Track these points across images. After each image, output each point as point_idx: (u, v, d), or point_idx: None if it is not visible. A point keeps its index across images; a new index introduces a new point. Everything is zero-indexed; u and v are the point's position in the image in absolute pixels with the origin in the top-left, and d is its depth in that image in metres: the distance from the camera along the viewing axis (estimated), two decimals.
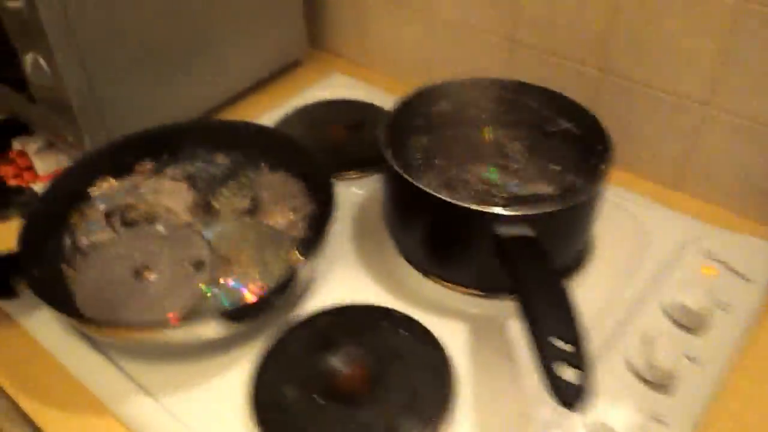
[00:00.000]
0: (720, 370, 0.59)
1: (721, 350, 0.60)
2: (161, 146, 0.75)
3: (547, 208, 0.57)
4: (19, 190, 0.82)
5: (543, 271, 0.51)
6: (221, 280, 0.62)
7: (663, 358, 0.56)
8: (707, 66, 0.70)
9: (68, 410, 0.58)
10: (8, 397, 0.60)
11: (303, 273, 0.61)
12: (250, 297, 0.60)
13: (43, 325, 0.64)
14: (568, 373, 0.43)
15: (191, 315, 0.59)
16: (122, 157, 0.73)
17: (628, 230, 0.72)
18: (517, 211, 0.57)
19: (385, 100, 0.90)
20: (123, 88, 0.77)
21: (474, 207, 0.57)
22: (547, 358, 0.44)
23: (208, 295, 0.61)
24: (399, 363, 0.58)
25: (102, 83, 0.74)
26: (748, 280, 0.66)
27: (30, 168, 0.84)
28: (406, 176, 0.60)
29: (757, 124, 0.69)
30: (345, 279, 0.68)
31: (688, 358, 0.59)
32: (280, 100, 0.93)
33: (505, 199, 0.64)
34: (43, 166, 0.84)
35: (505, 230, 0.56)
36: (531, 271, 0.51)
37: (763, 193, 0.73)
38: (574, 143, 0.67)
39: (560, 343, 0.44)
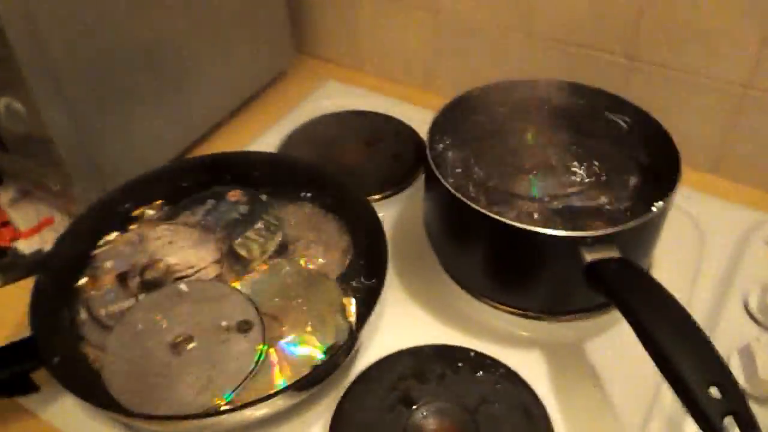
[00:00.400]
0: None
1: None
2: (164, 190, 0.66)
3: (631, 224, 0.52)
4: (1, 252, 0.72)
5: (657, 298, 0.46)
6: (278, 343, 0.54)
7: (766, 365, 0.52)
8: (747, 47, 0.66)
9: None
10: None
11: (370, 323, 0.54)
12: (314, 359, 0.53)
13: (69, 415, 0.55)
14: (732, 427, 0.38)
15: (251, 392, 0.51)
16: (123, 206, 0.65)
17: (680, 228, 0.68)
18: (603, 231, 0.51)
19: (395, 108, 0.83)
20: (109, 126, 0.68)
21: (554, 233, 0.52)
22: (709, 417, 0.38)
23: (263, 364, 0.53)
24: (486, 409, 0.53)
25: (87, 123, 0.65)
26: None
27: (6, 224, 0.74)
28: (468, 203, 0.54)
29: None
30: (400, 319, 0.61)
31: None
32: (273, 118, 0.85)
33: (563, 215, 0.58)
34: (22, 219, 0.74)
35: (591, 255, 0.51)
36: (644, 301, 0.46)
37: None
38: (622, 145, 0.63)
39: (715, 392, 0.39)
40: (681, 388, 0.40)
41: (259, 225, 0.64)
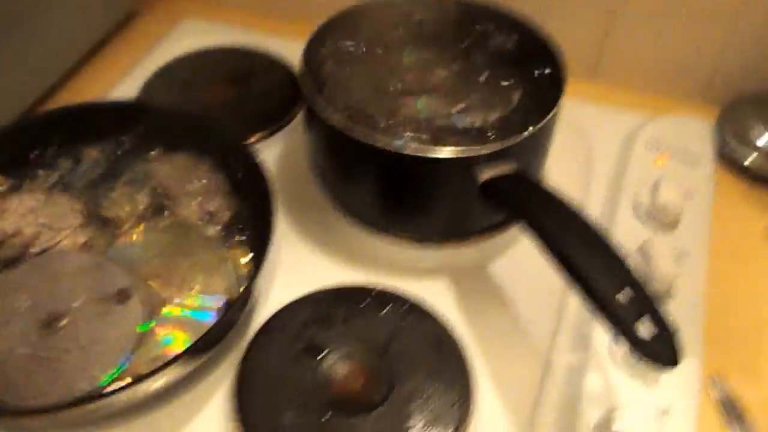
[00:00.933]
0: (703, 257, 0.57)
1: (700, 238, 0.58)
2: (9, 153, 0.58)
3: (522, 136, 0.50)
4: None
5: (559, 210, 0.44)
6: (161, 309, 0.49)
7: (662, 267, 0.53)
8: None
9: None
10: None
11: (264, 273, 0.50)
12: (206, 320, 0.49)
13: None
14: (645, 328, 0.38)
15: (144, 366, 0.46)
16: None
17: (567, 139, 0.67)
18: (496, 146, 0.49)
19: (262, 42, 0.77)
20: None
21: (444, 155, 0.49)
22: (623, 322, 0.38)
23: (150, 332, 0.48)
24: (396, 346, 0.51)
25: None
26: (696, 161, 0.65)
27: None
28: (350, 134, 0.50)
29: None
30: (295, 264, 0.58)
31: (677, 256, 0.56)
32: (127, 65, 0.76)
33: (450, 136, 0.56)
34: None
35: (487, 172, 0.49)
36: (547, 215, 0.45)
37: (684, 70, 0.71)
38: (501, 58, 0.60)
39: (623, 296, 0.39)
40: (592, 296, 0.39)
41: (125, 182, 0.58)
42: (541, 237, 0.43)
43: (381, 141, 0.50)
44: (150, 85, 0.71)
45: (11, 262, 0.52)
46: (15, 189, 0.56)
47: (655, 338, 0.37)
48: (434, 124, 0.55)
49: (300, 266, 0.57)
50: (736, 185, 0.66)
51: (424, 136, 0.54)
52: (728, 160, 0.67)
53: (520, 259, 0.58)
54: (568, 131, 0.66)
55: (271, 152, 0.66)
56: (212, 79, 0.73)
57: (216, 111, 0.69)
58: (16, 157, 0.57)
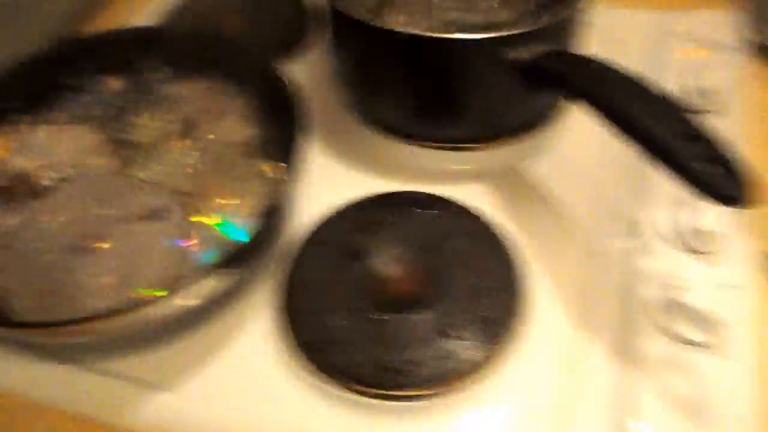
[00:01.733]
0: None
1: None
2: (30, 86, 0.56)
3: (557, 17, 0.48)
4: None
5: (622, 80, 0.42)
6: (196, 222, 0.47)
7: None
8: None
9: None
10: None
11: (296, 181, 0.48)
12: (243, 233, 0.47)
13: None
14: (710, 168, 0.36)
15: (178, 280, 0.44)
16: None
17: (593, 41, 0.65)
18: (530, 27, 0.47)
19: None
20: None
21: (480, 36, 0.47)
22: (685, 158, 0.36)
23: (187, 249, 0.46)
24: (444, 248, 0.49)
25: None
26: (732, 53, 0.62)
27: None
28: (378, 25, 0.48)
29: None
30: (329, 180, 0.56)
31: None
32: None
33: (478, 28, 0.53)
34: None
35: (524, 52, 0.47)
36: (597, 80, 0.42)
37: None
38: None
39: (690, 144, 0.37)
40: (656, 147, 0.37)
41: (150, 108, 0.56)
42: (610, 110, 0.41)
43: (408, 28, 0.48)
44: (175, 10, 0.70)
45: (41, 192, 0.50)
46: (39, 121, 0.54)
47: (725, 175, 0.35)
48: (465, 20, 0.53)
49: (334, 180, 0.56)
50: None
51: (452, 26, 0.52)
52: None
53: (561, 156, 0.56)
54: (597, 36, 0.64)
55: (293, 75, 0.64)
56: (223, 10, 0.71)
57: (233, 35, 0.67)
58: (39, 89, 0.55)
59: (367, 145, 0.58)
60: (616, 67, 0.43)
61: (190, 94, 0.57)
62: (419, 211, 0.51)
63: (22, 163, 0.51)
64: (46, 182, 0.51)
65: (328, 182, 0.55)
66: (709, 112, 0.56)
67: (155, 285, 0.44)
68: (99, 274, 0.45)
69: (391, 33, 0.47)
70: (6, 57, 0.55)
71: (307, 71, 0.65)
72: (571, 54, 0.46)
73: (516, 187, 0.54)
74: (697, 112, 0.55)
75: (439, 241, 0.49)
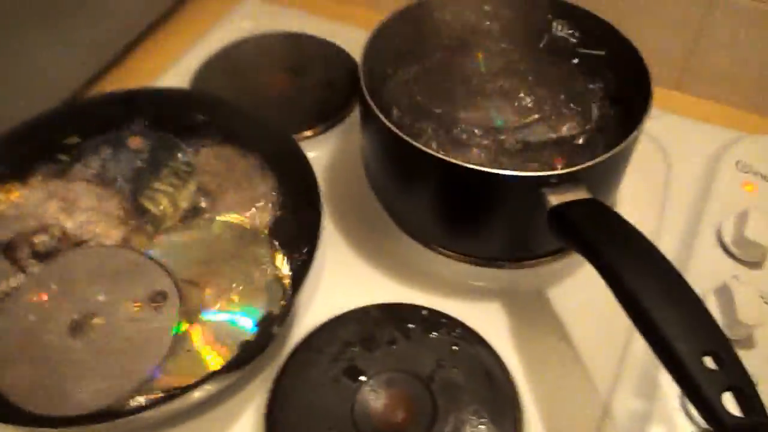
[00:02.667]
0: None
1: None
2: (52, 139, 0.55)
3: (600, 159, 0.45)
4: None
5: (643, 254, 0.39)
6: (198, 316, 0.46)
7: (744, 312, 0.48)
8: None
9: None
10: None
11: (306, 285, 0.46)
12: (244, 331, 0.46)
13: None
14: (729, 403, 0.33)
15: (174, 376, 0.43)
16: (4, 156, 0.54)
17: (645, 153, 0.61)
18: (568, 169, 0.44)
19: (328, 29, 0.73)
20: None
21: (513, 173, 0.45)
22: (707, 393, 0.33)
23: (184, 338, 0.45)
24: (443, 375, 0.47)
25: None
26: None
27: None
28: (411, 141, 0.46)
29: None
30: (340, 275, 0.54)
31: (763, 300, 0.50)
32: (183, 46, 0.73)
33: (520, 149, 0.51)
34: None
35: (556, 197, 0.44)
36: (626, 256, 0.39)
37: None
38: (580, 64, 0.55)
39: (708, 361, 0.34)
40: (670, 358, 0.34)
41: (168, 174, 0.55)
42: (616, 281, 0.38)
43: (442, 151, 0.46)
44: (203, 71, 0.68)
45: (46, 255, 0.49)
46: (54, 177, 0.54)
47: (740, 423, 0.32)
48: (503, 135, 0.50)
49: (345, 277, 0.54)
50: None
51: (491, 148, 0.49)
52: None
53: (583, 289, 0.53)
54: (646, 144, 0.60)
55: (324, 149, 0.62)
56: (269, 67, 0.69)
57: (270, 102, 0.66)
58: (57, 144, 0.55)
59: (387, 242, 0.56)
60: (649, 247, 0.39)
61: (210, 163, 0.56)
62: (423, 329, 0.49)
63: (32, 220, 0.51)
64: (49, 245, 0.50)
65: (338, 276, 0.53)
66: (755, 261, 0.51)
67: (147, 382, 0.43)
68: (92, 361, 0.44)
69: (416, 150, 0.45)
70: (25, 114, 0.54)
71: (344, 143, 0.63)
72: (602, 211, 0.43)
73: (530, 314, 0.52)
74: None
75: (439, 367, 0.47)
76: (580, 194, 0.44)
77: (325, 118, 0.64)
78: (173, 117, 0.58)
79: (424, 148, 0.45)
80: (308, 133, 0.63)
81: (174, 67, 0.70)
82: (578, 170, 0.44)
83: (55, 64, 0.63)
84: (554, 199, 0.44)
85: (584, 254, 0.41)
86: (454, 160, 0.44)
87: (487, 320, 0.50)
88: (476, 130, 0.51)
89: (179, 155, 0.56)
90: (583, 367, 0.49)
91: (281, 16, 0.76)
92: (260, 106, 0.62)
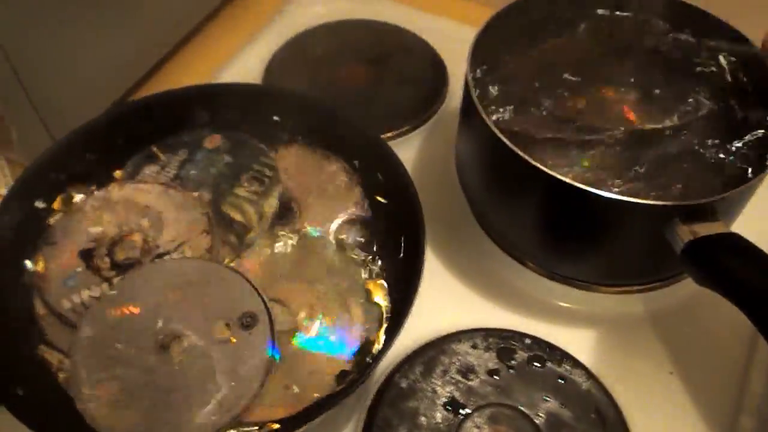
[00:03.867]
0: None
1: None
2: (122, 138, 0.52)
3: (743, 186, 0.41)
4: None
5: None
6: (292, 342, 0.43)
7: None
8: None
9: None
10: None
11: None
12: (339, 360, 0.43)
13: None
14: None
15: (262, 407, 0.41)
16: (76, 161, 0.50)
17: None
18: (708, 198, 0.40)
19: (408, 17, 0.68)
20: (43, 54, 0.53)
21: (641, 201, 0.41)
22: None
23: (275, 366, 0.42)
24: (549, 412, 0.44)
25: (14, 48, 0.50)
26: None
27: None
28: (525, 156, 0.42)
29: None
30: (434, 295, 0.49)
31: None
32: (249, 34, 0.68)
33: (651, 164, 0.46)
34: None
35: (688, 227, 0.40)
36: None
37: None
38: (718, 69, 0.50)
39: None
40: None
41: (249, 179, 0.51)
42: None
43: (557, 169, 0.42)
44: (274, 64, 0.64)
45: (127, 266, 0.46)
46: (129, 181, 0.50)
47: None
48: (629, 151, 0.46)
49: (439, 298, 0.50)
50: None
51: (614, 165, 0.45)
52: None
53: (694, 315, 0.50)
54: None
55: (409, 153, 0.58)
56: (345, 58, 0.65)
57: (349, 98, 0.62)
58: (127, 146, 0.51)
59: (481, 258, 0.53)
60: None
61: (292, 166, 0.52)
62: (527, 360, 0.46)
63: (111, 229, 0.48)
64: (129, 255, 0.47)
65: (430, 296, 0.49)
66: None
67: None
68: (181, 389, 0.41)
69: (526, 164, 0.41)
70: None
71: (428, 148, 0.59)
72: (749, 251, 0.39)
73: (640, 342, 0.49)
74: None
75: (543, 402, 0.44)
76: (717, 227, 0.40)
77: (410, 118, 0.60)
78: (248, 116, 0.54)
79: (532, 160, 0.41)
80: (389, 134, 0.59)
81: (238, 60, 0.66)
82: (717, 200, 0.40)
83: (109, 61, 0.59)
84: (688, 231, 0.40)
85: (730, 297, 0.37)
86: (572, 181, 0.40)
87: (591, 349, 0.47)
88: (595, 142, 0.47)
89: (260, 158, 0.52)
90: (697, 404, 0.46)
91: (356, 2, 0.71)
92: (337, 103, 0.58)
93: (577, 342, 0.47)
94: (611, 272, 0.48)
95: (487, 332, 0.47)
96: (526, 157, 0.41)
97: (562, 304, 0.50)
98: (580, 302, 0.50)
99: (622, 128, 0.47)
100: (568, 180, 0.40)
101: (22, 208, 0.47)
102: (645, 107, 0.48)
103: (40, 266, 0.46)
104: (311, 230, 0.49)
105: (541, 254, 0.50)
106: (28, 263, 0.46)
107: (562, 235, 0.47)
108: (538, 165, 0.41)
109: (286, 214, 0.50)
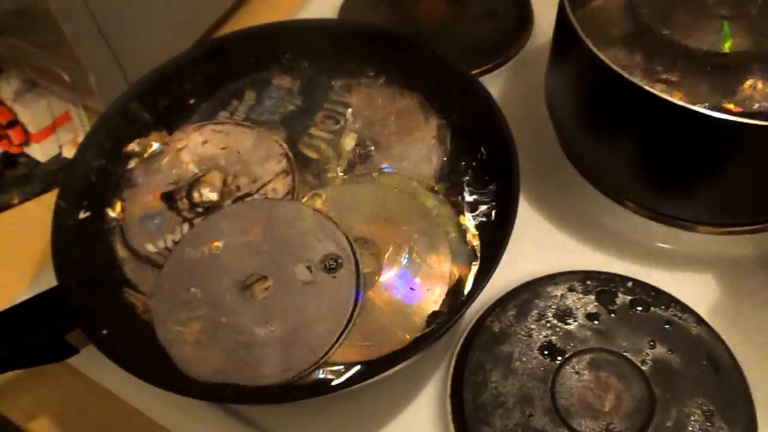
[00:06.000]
0: None
1: None
2: (197, 80, 0.50)
3: None
4: (11, 160, 0.59)
5: None
6: (378, 282, 0.41)
7: None
8: None
9: None
10: None
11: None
12: (426, 305, 0.40)
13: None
14: None
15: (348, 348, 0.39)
16: (154, 104, 0.49)
17: None
18: None
19: None
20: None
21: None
22: None
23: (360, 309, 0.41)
24: (657, 358, 0.40)
25: None
26: None
27: (14, 123, 0.60)
28: (632, 79, 0.38)
29: None
30: (524, 237, 0.46)
31: None
32: None
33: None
34: (31, 117, 0.59)
35: None
36: None
37: None
38: None
39: None
40: None
41: (324, 117, 0.49)
42: None
43: (666, 82, 0.38)
44: (349, 2, 0.61)
45: (208, 209, 0.45)
46: (205, 123, 0.49)
47: None
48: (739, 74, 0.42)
49: (530, 240, 0.47)
50: None
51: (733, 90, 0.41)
52: None
53: None
54: None
55: (493, 90, 0.55)
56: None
57: (428, 33, 0.58)
58: (200, 87, 0.50)
59: (577, 199, 0.49)
60: None
61: (364, 103, 0.50)
62: (629, 304, 0.42)
63: (190, 168, 0.47)
64: (213, 195, 0.46)
65: (521, 238, 0.46)
66: None
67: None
68: (265, 329, 0.40)
69: (649, 95, 0.37)
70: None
71: (513, 86, 0.55)
72: None
73: (755, 288, 0.44)
74: None
75: (650, 349, 0.41)
76: None
77: (492, 56, 0.56)
78: (322, 53, 0.52)
79: (653, 90, 0.37)
80: (473, 71, 0.56)
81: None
82: None
83: (186, 5, 0.58)
84: None
85: None
86: (693, 106, 0.36)
87: (700, 295, 0.43)
88: (709, 58, 0.42)
89: (333, 96, 0.50)
90: None
91: None
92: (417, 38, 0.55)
93: (680, 286, 0.43)
94: (723, 210, 0.44)
95: (586, 275, 0.44)
96: (637, 82, 0.37)
97: (663, 245, 0.47)
98: (683, 244, 0.47)
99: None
100: (688, 105, 0.36)
101: (99, 153, 0.47)
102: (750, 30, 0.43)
103: (120, 210, 0.46)
104: (393, 169, 0.47)
105: (643, 192, 0.46)
106: (109, 209, 0.46)
107: (669, 169, 0.43)
108: (653, 90, 0.37)
109: (364, 152, 0.48)
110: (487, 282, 0.38)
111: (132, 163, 0.48)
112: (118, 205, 0.46)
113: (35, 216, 0.54)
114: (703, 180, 0.42)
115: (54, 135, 0.60)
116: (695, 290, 0.44)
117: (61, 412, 0.44)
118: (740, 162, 0.39)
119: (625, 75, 0.38)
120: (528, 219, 0.49)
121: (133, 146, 0.48)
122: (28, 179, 0.57)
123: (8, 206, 0.56)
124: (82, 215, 0.44)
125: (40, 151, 0.59)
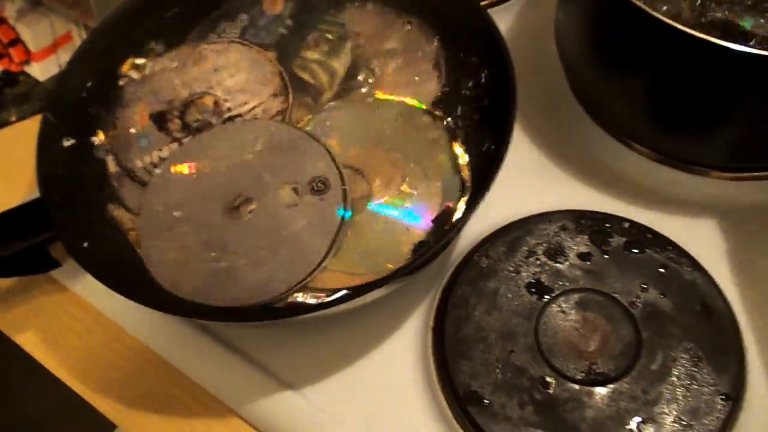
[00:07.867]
0: None
1: None
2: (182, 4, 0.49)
3: None
4: (11, 78, 0.58)
5: None
6: (365, 207, 0.40)
7: None
8: None
9: (162, 414, 0.40)
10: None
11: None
12: (415, 233, 0.39)
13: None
14: None
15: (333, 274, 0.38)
16: (147, 21, 0.48)
17: None
18: None
19: None
20: None
21: None
22: None
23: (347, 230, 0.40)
24: (647, 301, 0.39)
25: None
26: None
27: (16, 41, 0.59)
28: (654, 14, 0.36)
29: None
30: (521, 172, 0.45)
31: None
32: None
33: None
34: (33, 36, 0.59)
35: None
36: None
37: None
38: None
39: None
40: None
41: (317, 38, 0.47)
42: None
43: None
44: None
45: (198, 128, 0.44)
46: (198, 42, 0.47)
47: None
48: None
49: (527, 176, 0.46)
50: None
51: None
52: None
53: None
54: None
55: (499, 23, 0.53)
56: None
57: None
58: (193, 8, 0.48)
59: (580, 138, 0.48)
60: None
61: (358, 25, 0.48)
62: (623, 245, 0.41)
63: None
64: (204, 116, 0.45)
65: (516, 175, 0.45)
66: None
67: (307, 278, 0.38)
68: (247, 250, 0.39)
69: (666, 27, 0.35)
70: None
71: (525, 17, 0.53)
72: None
73: (758, 236, 0.42)
74: None
75: (644, 292, 0.39)
76: None
77: None
78: None
79: (671, 22, 0.35)
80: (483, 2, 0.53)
81: None
82: None
83: None
84: None
85: None
86: (713, 39, 0.34)
87: (700, 240, 0.42)
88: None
89: (326, 17, 0.48)
90: None
91: None
92: None
93: (682, 232, 0.42)
94: (740, 152, 0.42)
95: (581, 214, 0.42)
96: (655, 14, 0.35)
97: (668, 190, 0.45)
98: (689, 188, 0.45)
99: None
100: (707, 37, 0.34)
101: (91, 70, 0.45)
102: None
103: (113, 128, 0.45)
104: (387, 95, 0.45)
105: (654, 134, 0.44)
106: (98, 127, 0.45)
107: (685, 108, 0.40)
108: (671, 22, 0.35)
109: (359, 78, 0.46)
110: (475, 210, 0.36)
111: (123, 82, 0.46)
112: (109, 122, 0.45)
113: (33, 133, 0.54)
114: (722, 119, 0.39)
115: (54, 55, 0.59)
116: (697, 235, 0.42)
117: (45, 326, 0.44)
118: (763, 99, 0.37)
119: (639, 3, 0.36)
120: (529, 157, 0.47)
121: (126, 65, 0.47)
122: (27, 97, 0.57)
123: (6, 123, 0.56)
124: (70, 129, 0.43)
125: (39, 70, 0.58)
